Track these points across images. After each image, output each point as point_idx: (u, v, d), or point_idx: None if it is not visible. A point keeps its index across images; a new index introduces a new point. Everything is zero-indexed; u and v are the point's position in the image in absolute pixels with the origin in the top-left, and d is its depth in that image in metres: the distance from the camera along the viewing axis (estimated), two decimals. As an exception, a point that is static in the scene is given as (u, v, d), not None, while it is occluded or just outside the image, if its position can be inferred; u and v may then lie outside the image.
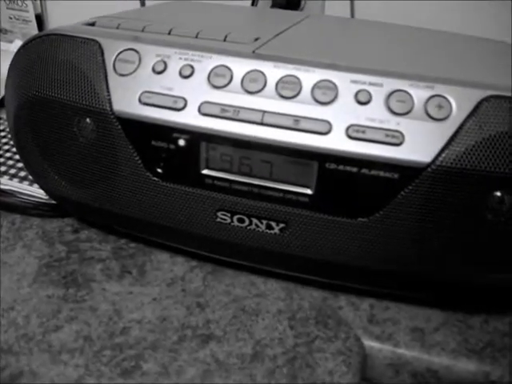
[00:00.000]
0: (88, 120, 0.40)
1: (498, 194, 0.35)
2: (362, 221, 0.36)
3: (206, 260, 0.48)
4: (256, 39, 0.43)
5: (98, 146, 0.40)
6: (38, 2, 0.84)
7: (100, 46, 0.39)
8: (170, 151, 0.38)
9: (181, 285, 0.45)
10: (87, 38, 0.40)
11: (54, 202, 0.51)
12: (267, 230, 0.39)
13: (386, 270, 0.39)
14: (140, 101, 0.37)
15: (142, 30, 0.43)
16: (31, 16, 0.84)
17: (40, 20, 0.85)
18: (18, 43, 0.82)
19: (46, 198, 0.52)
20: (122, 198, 0.42)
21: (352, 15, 0.72)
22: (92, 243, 0.50)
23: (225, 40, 0.42)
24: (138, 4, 0.77)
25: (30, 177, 0.53)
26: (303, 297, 0.45)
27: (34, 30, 0.84)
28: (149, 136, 0.38)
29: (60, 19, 0.84)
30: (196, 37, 0.42)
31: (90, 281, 0.45)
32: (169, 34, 0.43)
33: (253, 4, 0.71)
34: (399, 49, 0.46)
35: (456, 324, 0.43)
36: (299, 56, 0.38)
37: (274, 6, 0.69)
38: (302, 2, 0.70)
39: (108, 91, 0.38)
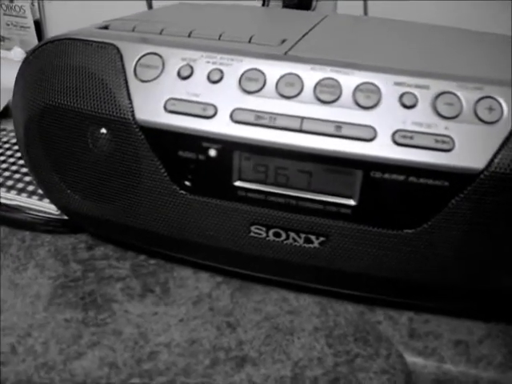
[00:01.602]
0: (104, 130, 0.38)
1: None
2: (409, 232, 0.34)
3: (232, 275, 0.45)
4: (283, 41, 0.40)
5: (118, 158, 0.38)
6: (36, 7, 0.80)
7: (119, 50, 0.37)
8: (199, 162, 0.36)
9: (208, 303, 0.43)
10: (104, 42, 0.37)
11: (65, 217, 0.49)
12: (306, 244, 0.37)
13: (430, 283, 0.37)
14: (165, 108, 0.35)
15: (160, 33, 0.41)
16: (29, 22, 0.81)
17: (38, 26, 0.82)
18: (17, 50, 0.80)
19: (57, 213, 0.49)
20: (146, 213, 0.39)
21: (365, 15, 0.70)
22: (109, 261, 0.47)
23: (250, 42, 0.39)
24: (141, 7, 0.75)
25: (39, 191, 0.51)
26: (338, 312, 0.43)
27: (32, 37, 0.81)
28: (176, 146, 0.36)
29: (59, 25, 0.81)
30: (219, 39, 0.40)
31: (111, 301, 0.42)
32: (189, 36, 0.40)
33: (263, 4, 0.69)
34: (432, 48, 0.44)
35: (499, 335, 0.41)
36: (335, 57, 0.36)
37: (285, 6, 0.67)
38: (314, 2, 0.68)
39: (130, 99, 0.36)
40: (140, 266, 0.47)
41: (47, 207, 0.50)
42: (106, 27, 0.43)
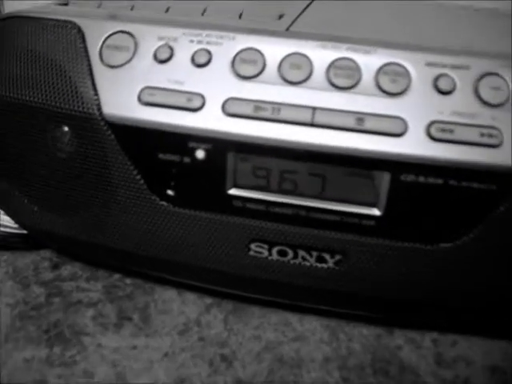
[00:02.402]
0: (65, 128, 0.33)
1: None
2: (446, 247, 0.29)
3: (224, 296, 0.40)
4: (280, 16, 0.34)
5: (83, 162, 0.33)
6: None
7: (80, 29, 0.32)
8: (183, 166, 0.31)
9: (197, 332, 0.37)
10: (62, 20, 0.33)
11: (24, 231, 0.43)
12: (318, 264, 0.32)
13: (469, 307, 0.32)
14: (140, 100, 0.30)
15: (132, 9, 0.35)
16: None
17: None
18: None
19: (14, 226, 0.43)
20: (119, 230, 0.34)
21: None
22: (78, 282, 0.41)
23: (240, 17, 0.33)
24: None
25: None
26: (351, 336, 0.37)
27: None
28: (154, 147, 0.31)
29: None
30: (202, 14, 0.34)
31: (81, 334, 0.37)
32: (166, 11, 0.35)
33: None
34: (462, 24, 0.38)
35: (539, 358, 0.37)
36: (348, 33, 0.30)
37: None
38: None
39: (95, 89, 0.31)
40: (114, 287, 0.41)
41: (3, 220, 0.44)
42: (66, 3, 0.37)
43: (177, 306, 0.39)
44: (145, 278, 0.41)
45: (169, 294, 0.40)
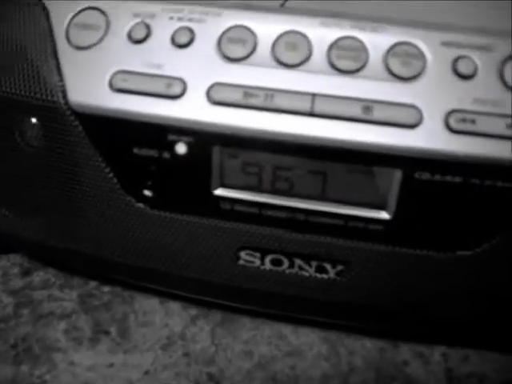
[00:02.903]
0: (34, 120, 0.30)
1: None
2: (464, 255, 0.27)
3: (211, 305, 0.37)
4: None
5: (50, 157, 0.30)
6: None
7: (44, 6, 0.29)
8: (162, 163, 0.28)
9: (181, 346, 0.35)
10: None
11: (-8, 234, 0.41)
12: (318, 275, 0.29)
13: (489, 322, 0.30)
14: (111, 86, 0.27)
15: None
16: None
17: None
18: None
19: None
20: (91, 234, 0.31)
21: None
22: (50, 290, 0.39)
23: None
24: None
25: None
26: (352, 350, 0.35)
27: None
28: (128, 141, 0.28)
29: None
30: None
31: (52, 350, 0.35)
32: None
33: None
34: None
35: (556, 373, 0.35)
36: (352, 9, 0.27)
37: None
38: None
39: (59, 74, 0.28)
40: (90, 296, 0.39)
41: None
42: None
43: (159, 318, 0.37)
44: (124, 286, 0.39)
45: (150, 303, 0.38)
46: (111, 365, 0.33)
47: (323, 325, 0.36)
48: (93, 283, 0.39)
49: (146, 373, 0.33)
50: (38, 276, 0.40)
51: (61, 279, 0.40)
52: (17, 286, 0.39)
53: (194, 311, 0.37)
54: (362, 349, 0.35)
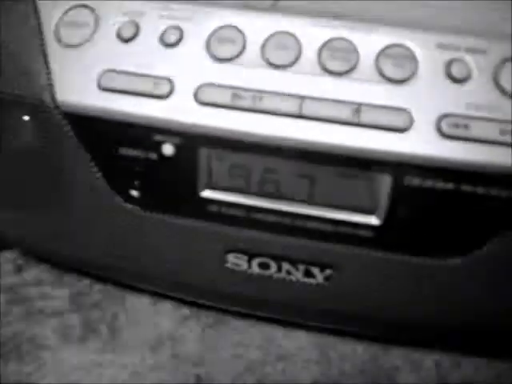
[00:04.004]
0: (26, 118, 0.30)
1: None
2: (455, 262, 0.26)
3: (203, 307, 0.37)
4: None
5: (38, 156, 0.30)
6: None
7: (33, 2, 0.29)
8: (149, 163, 0.28)
9: (170, 347, 0.35)
10: None
11: (-14, 230, 0.41)
12: (305, 279, 0.29)
13: (485, 331, 0.29)
14: (99, 85, 0.27)
15: None
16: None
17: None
18: None
19: None
20: (79, 235, 0.31)
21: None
22: (41, 287, 0.39)
23: None
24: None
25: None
26: (343, 355, 0.35)
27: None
28: (115, 140, 0.28)
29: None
30: None
31: (41, 348, 0.35)
32: None
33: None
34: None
35: (552, 381, 0.35)
36: (344, 10, 0.27)
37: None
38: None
39: (47, 72, 0.28)
40: (81, 294, 0.38)
41: None
42: None
43: (149, 318, 0.37)
44: (116, 285, 0.39)
45: (141, 302, 0.38)
46: (99, 364, 0.34)
47: (315, 329, 0.36)
48: (85, 281, 0.39)
49: (134, 373, 0.33)
50: (31, 273, 0.40)
51: (53, 276, 0.40)
52: (9, 283, 0.39)
53: (184, 311, 0.37)
54: (353, 354, 0.35)
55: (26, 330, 0.36)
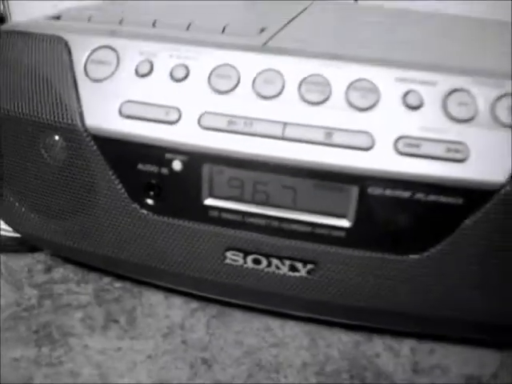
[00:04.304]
0: (56, 137, 0.34)
1: None
2: (414, 258, 0.30)
3: (209, 300, 0.40)
4: (262, 30, 0.35)
5: (70, 171, 0.34)
6: (0, 1, 0.74)
7: (67, 44, 0.33)
8: (161, 177, 0.31)
9: (180, 335, 0.38)
10: (50, 35, 0.33)
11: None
12: (291, 273, 0.32)
13: (440, 317, 0.32)
14: (121, 113, 0.31)
15: (120, 23, 0.36)
16: (-8, 15, 0.74)
17: (2, 21, 0.76)
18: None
19: (11, 229, 0.43)
20: (103, 236, 0.35)
21: (355, 1, 0.64)
22: (68, 285, 0.42)
23: (223, 32, 0.34)
24: None
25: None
26: (330, 343, 0.38)
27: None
28: (134, 158, 0.31)
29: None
30: (187, 29, 0.35)
31: (68, 335, 0.38)
32: (153, 25, 0.35)
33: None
34: (435, 37, 0.39)
35: (516, 367, 0.37)
36: (323, 49, 0.31)
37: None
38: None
39: (78, 101, 0.32)
40: (103, 290, 0.42)
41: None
42: (58, 17, 0.38)
43: (162, 310, 0.40)
44: (134, 282, 0.42)
45: (156, 298, 0.41)
46: (119, 349, 0.37)
47: (305, 319, 0.39)
48: (106, 279, 0.43)
49: (149, 357, 0.36)
50: (59, 272, 0.43)
51: (78, 275, 0.43)
52: (40, 281, 0.42)
53: (193, 305, 0.40)
54: (338, 342, 0.38)
55: (55, 320, 0.39)
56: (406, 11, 0.51)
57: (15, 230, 0.41)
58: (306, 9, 0.46)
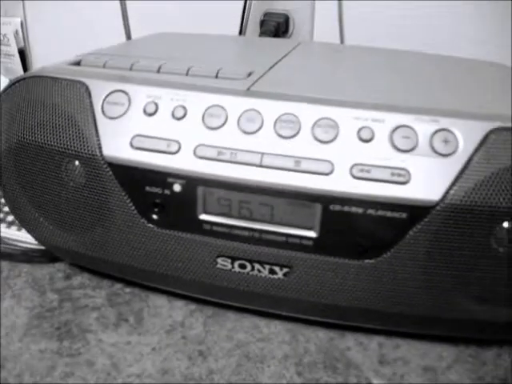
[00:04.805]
0: (76, 163, 0.38)
1: (506, 225, 0.33)
2: (369, 262, 0.34)
3: (206, 303, 0.45)
4: (249, 74, 0.41)
5: (89, 192, 0.38)
6: (21, 35, 0.81)
7: (87, 88, 0.37)
8: (164, 197, 0.36)
9: (180, 331, 0.42)
10: (73, 80, 0.38)
11: (43, 246, 0.48)
12: (270, 275, 0.37)
13: (394, 312, 0.37)
14: (132, 145, 0.36)
15: (130, 69, 0.41)
16: (13, 50, 0.82)
17: (23, 55, 0.83)
18: (1, 79, 0.80)
19: (35, 242, 0.49)
20: (116, 246, 0.39)
21: (341, 39, 0.71)
22: (85, 290, 0.47)
23: (217, 76, 0.40)
24: (122, 37, 0.76)
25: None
26: (309, 338, 0.42)
27: (17, 65, 0.82)
28: (142, 182, 0.36)
29: (44, 54, 0.81)
30: (187, 74, 0.40)
31: (86, 331, 0.42)
32: (158, 71, 0.41)
33: (240, 33, 0.70)
34: (398, 78, 0.45)
35: (469, 360, 0.41)
36: (296, 92, 0.37)
37: (262, 34, 0.68)
38: (291, 28, 0.69)
39: (97, 135, 0.36)
40: (115, 294, 0.46)
41: (26, 237, 0.49)
42: (78, 63, 0.44)
43: (166, 311, 0.44)
44: (142, 288, 0.46)
45: (161, 301, 0.45)
46: (128, 343, 0.40)
47: (288, 318, 0.43)
48: (118, 285, 0.47)
49: (153, 349, 0.40)
50: (77, 279, 0.47)
51: (93, 282, 0.47)
52: (60, 287, 0.46)
53: (192, 307, 0.44)
54: (316, 337, 0.42)
55: (74, 319, 0.42)
56: (384, 51, 0.57)
57: (39, 242, 0.46)
58: (292, 50, 0.53)
